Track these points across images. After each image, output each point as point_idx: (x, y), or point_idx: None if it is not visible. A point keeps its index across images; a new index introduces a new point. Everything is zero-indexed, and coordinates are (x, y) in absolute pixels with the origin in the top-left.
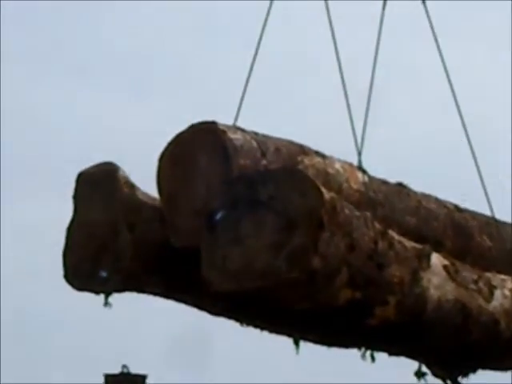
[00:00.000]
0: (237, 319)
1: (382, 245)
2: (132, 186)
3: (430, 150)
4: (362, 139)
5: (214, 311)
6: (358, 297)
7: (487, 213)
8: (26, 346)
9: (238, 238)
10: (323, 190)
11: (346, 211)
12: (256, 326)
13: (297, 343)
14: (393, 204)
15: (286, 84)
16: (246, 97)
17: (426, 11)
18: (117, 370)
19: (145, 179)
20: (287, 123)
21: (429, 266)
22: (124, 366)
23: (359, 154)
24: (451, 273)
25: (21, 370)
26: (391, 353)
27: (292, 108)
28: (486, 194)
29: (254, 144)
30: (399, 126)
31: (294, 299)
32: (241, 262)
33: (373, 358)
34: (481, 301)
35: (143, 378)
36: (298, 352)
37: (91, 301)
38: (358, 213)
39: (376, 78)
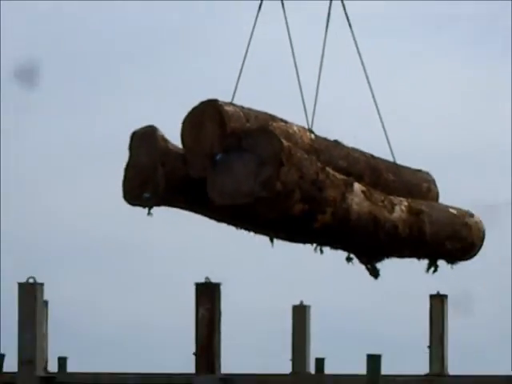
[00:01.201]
0: (232, 224)
1: (321, 176)
2: (165, 140)
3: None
4: (313, 112)
5: (218, 219)
6: (306, 208)
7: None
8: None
9: (230, 171)
10: (284, 141)
11: (298, 154)
12: (245, 229)
13: (271, 240)
14: (330, 152)
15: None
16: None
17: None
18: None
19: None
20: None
21: (352, 190)
22: (207, 278)
23: (311, 126)
24: (367, 195)
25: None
26: (331, 247)
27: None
28: (390, 147)
29: (241, 114)
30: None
31: (266, 211)
32: (232, 187)
33: (321, 251)
34: (386, 213)
35: (219, 285)
36: (272, 245)
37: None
38: (306, 156)
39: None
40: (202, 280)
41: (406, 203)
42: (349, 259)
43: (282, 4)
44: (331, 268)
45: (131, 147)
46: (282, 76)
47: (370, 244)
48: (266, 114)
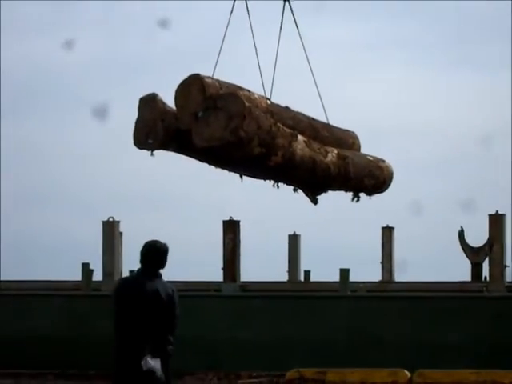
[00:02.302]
0: (212, 164)
1: (274, 128)
2: (163, 103)
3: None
4: (272, 84)
5: (202, 160)
6: (264, 151)
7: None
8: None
9: (207, 123)
10: (246, 102)
11: (257, 112)
12: (221, 168)
13: (241, 177)
14: (281, 114)
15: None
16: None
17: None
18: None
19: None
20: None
21: (297, 140)
22: (231, 217)
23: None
24: (307, 144)
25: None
26: (284, 182)
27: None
28: (325, 111)
29: (217, 84)
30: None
31: (234, 151)
32: (209, 134)
33: (278, 186)
34: (321, 157)
35: (238, 222)
36: (242, 181)
37: None
38: (263, 113)
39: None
40: (227, 218)
41: (336, 151)
42: (295, 190)
43: None
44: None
45: (139, 108)
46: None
47: (310, 179)
48: (234, 85)
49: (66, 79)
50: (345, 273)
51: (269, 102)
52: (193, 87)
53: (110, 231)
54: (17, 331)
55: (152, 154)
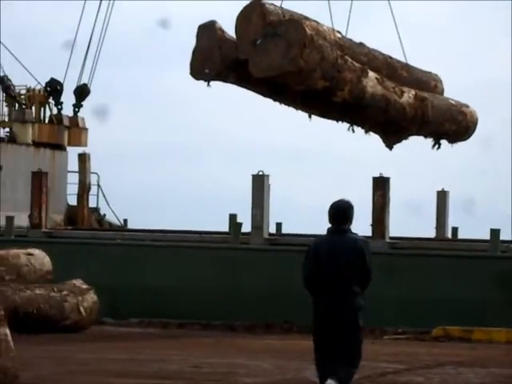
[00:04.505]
0: (271, 98)
1: (340, 61)
2: (222, 30)
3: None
4: (348, 21)
5: (259, 92)
6: (328, 84)
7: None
8: None
9: (266, 51)
10: (307, 29)
11: (320, 41)
12: (280, 102)
13: (310, 116)
14: (353, 49)
15: None
16: None
17: None
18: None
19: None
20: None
21: (367, 76)
22: (380, 173)
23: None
24: (379, 81)
25: None
26: (355, 124)
27: None
28: (403, 51)
29: (280, 11)
30: None
31: (294, 83)
32: (267, 63)
33: (353, 130)
34: (395, 97)
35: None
36: (310, 120)
37: None
38: (327, 44)
39: None
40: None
41: (413, 92)
42: (366, 132)
43: None
44: None
45: (197, 36)
46: None
47: (383, 119)
48: (301, 14)
49: None
50: (495, 233)
51: (339, 35)
52: (253, 14)
53: (260, 185)
54: (167, 281)
55: (209, 85)
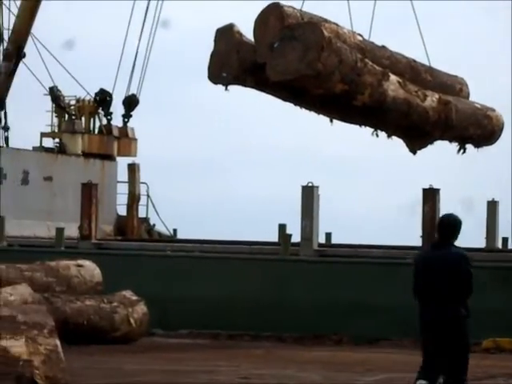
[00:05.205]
0: (290, 101)
1: (360, 64)
2: (240, 34)
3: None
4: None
5: (278, 96)
6: (347, 88)
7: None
8: None
9: (283, 54)
10: (325, 32)
11: (338, 44)
12: (300, 106)
13: (331, 121)
14: (375, 52)
15: None
16: None
17: None
18: None
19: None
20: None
21: (388, 79)
22: (430, 185)
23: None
24: (402, 85)
25: None
26: (378, 128)
27: None
28: (427, 54)
29: (298, 14)
30: None
31: (313, 87)
32: (284, 66)
33: (377, 135)
34: (418, 100)
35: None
36: (331, 124)
37: None
38: (346, 47)
39: None
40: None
41: (436, 96)
42: (389, 136)
43: None
44: None
45: (215, 40)
46: None
47: (405, 123)
48: (320, 17)
49: None
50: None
51: (361, 38)
52: (271, 17)
53: (309, 196)
54: (216, 292)
55: (227, 89)
